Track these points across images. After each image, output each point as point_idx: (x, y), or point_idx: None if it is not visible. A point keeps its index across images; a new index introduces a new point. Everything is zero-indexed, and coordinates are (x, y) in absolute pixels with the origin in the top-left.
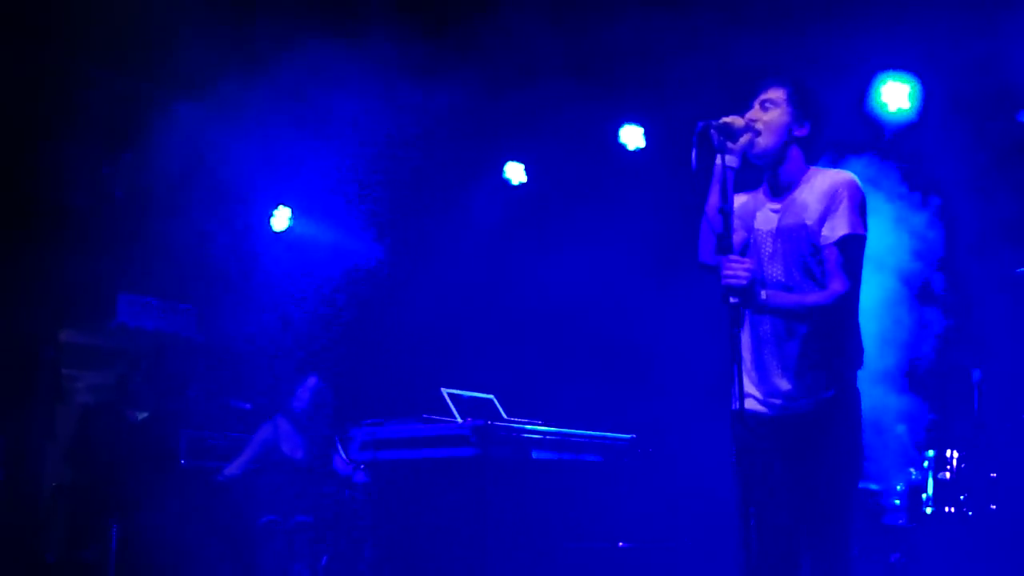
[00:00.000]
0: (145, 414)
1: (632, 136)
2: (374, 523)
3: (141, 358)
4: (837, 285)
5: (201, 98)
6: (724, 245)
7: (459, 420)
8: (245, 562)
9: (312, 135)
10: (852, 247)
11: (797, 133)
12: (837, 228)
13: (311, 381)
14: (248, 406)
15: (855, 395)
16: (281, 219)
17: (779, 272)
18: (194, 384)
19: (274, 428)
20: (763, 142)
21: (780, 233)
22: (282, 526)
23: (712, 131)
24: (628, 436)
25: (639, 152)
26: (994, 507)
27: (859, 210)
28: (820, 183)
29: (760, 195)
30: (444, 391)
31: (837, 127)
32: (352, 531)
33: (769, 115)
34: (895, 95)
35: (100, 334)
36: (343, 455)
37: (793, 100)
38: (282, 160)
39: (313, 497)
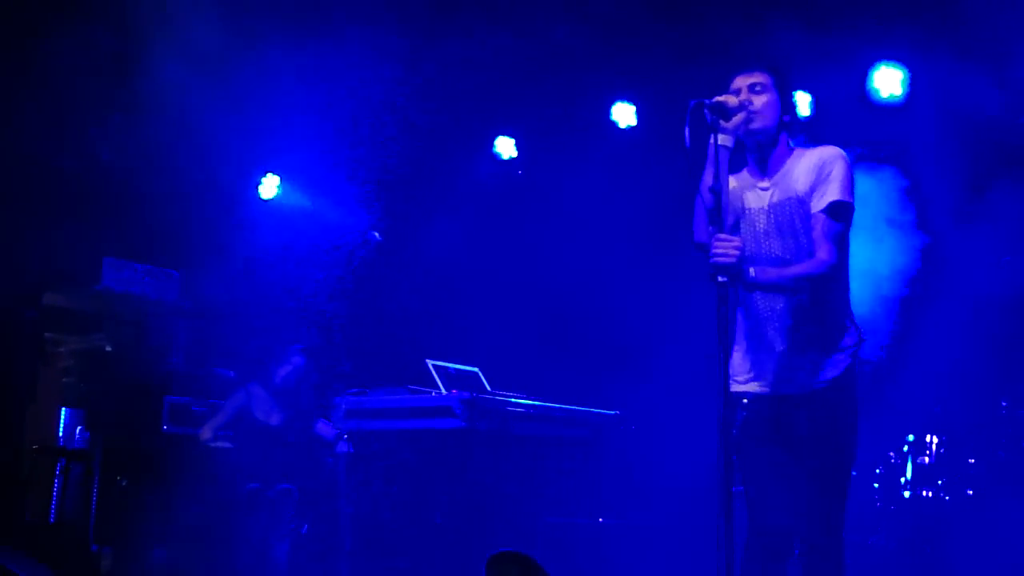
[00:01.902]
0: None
1: (624, 114)
2: (356, 492)
3: (125, 323)
4: (824, 254)
5: (192, 62)
6: (715, 223)
7: (444, 392)
8: (226, 529)
9: (303, 104)
10: (840, 215)
11: (785, 118)
12: (827, 195)
13: (296, 359)
14: (232, 374)
15: (855, 374)
16: (269, 187)
17: (776, 247)
18: (178, 351)
19: (247, 395)
20: (759, 124)
21: (772, 209)
22: (264, 494)
23: (706, 110)
24: (613, 412)
25: (631, 130)
26: (971, 492)
27: (848, 179)
28: (808, 158)
29: (746, 176)
30: (430, 363)
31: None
32: (334, 500)
33: (761, 99)
34: (888, 82)
35: (84, 298)
36: (328, 421)
37: (779, 86)
38: (272, 128)
39: (294, 465)
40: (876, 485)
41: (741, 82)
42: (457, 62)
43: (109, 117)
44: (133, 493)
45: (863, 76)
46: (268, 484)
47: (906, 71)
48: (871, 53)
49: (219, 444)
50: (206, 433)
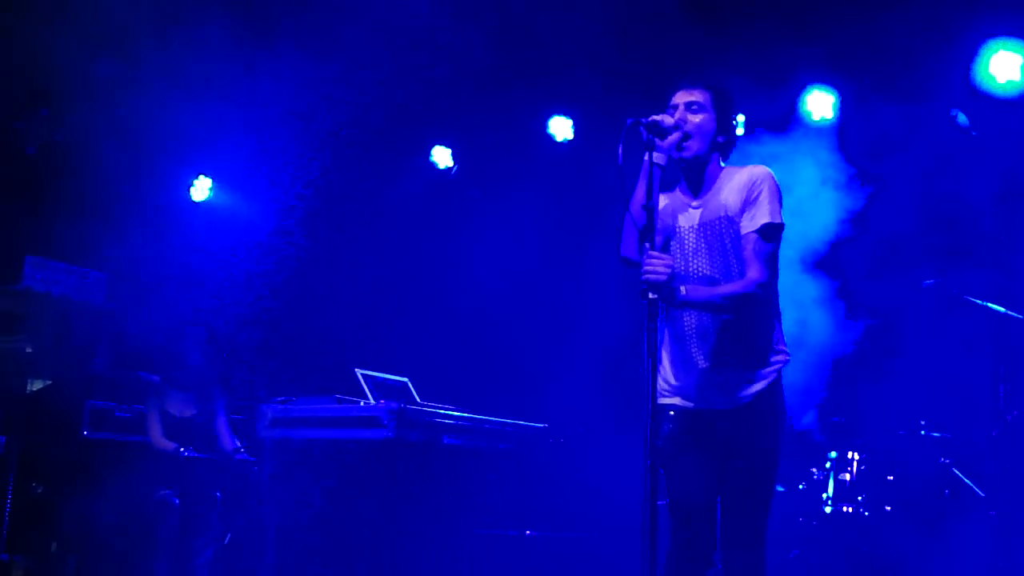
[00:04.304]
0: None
1: (561, 127)
2: (281, 502)
3: (46, 324)
4: (754, 273)
5: (125, 59)
6: (646, 240)
7: (373, 402)
8: (146, 536)
9: (238, 107)
10: (770, 236)
11: (720, 139)
12: (757, 217)
13: (199, 332)
14: (157, 378)
15: (780, 390)
16: (201, 189)
17: (704, 266)
18: (102, 354)
19: (159, 396)
20: (694, 146)
21: (703, 228)
22: (184, 501)
23: (641, 127)
24: (541, 425)
25: (567, 144)
26: (888, 508)
27: (777, 200)
28: (738, 178)
29: (678, 195)
30: (358, 372)
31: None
32: (257, 510)
33: (697, 118)
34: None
35: (4, 297)
36: (228, 432)
37: (717, 106)
38: (206, 130)
39: (218, 472)
40: (799, 500)
41: (680, 98)
42: (397, 70)
43: (35, 110)
44: (49, 500)
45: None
46: (188, 491)
47: (837, 95)
48: (804, 76)
49: (189, 452)
50: (166, 444)
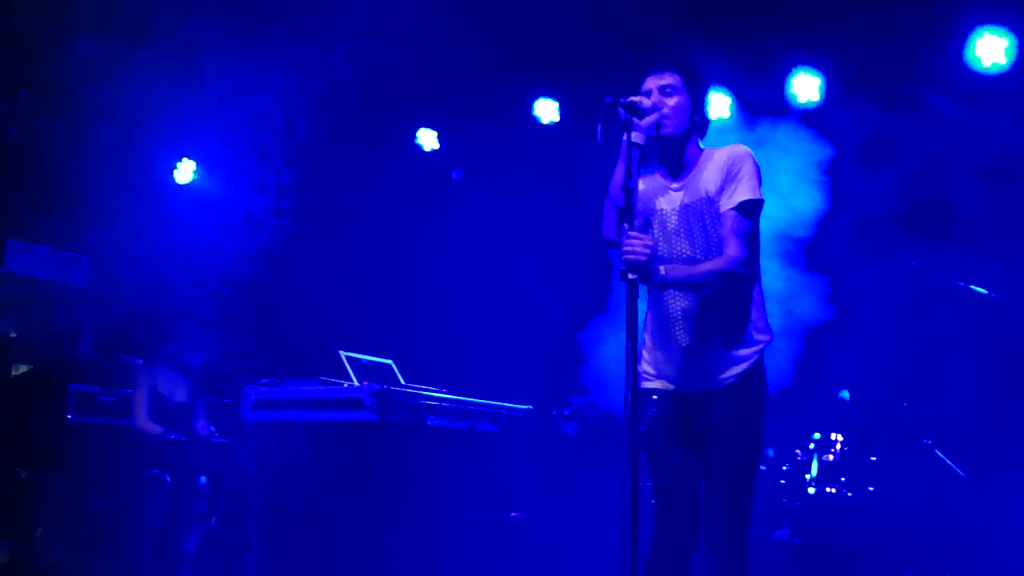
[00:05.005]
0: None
1: (547, 110)
2: (265, 484)
3: (30, 309)
4: (733, 250)
5: (106, 40)
6: (626, 221)
7: (356, 383)
8: (132, 520)
9: (223, 89)
10: (749, 213)
11: (696, 119)
12: (736, 195)
13: (184, 337)
14: (140, 362)
15: (762, 372)
16: (185, 172)
17: (686, 247)
18: (85, 338)
19: (150, 377)
20: (671, 126)
21: (683, 209)
22: (172, 483)
23: (620, 108)
24: (525, 407)
25: (553, 126)
26: (872, 489)
27: (756, 178)
28: (718, 158)
29: (658, 178)
30: (342, 354)
31: None
32: (242, 492)
33: (672, 100)
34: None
35: None
36: (204, 416)
37: (689, 86)
38: (191, 112)
39: (204, 454)
40: (783, 482)
41: (652, 83)
42: (382, 52)
43: (16, 92)
44: (33, 485)
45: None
46: (175, 473)
47: (823, 77)
48: (791, 58)
49: (175, 435)
50: (152, 428)
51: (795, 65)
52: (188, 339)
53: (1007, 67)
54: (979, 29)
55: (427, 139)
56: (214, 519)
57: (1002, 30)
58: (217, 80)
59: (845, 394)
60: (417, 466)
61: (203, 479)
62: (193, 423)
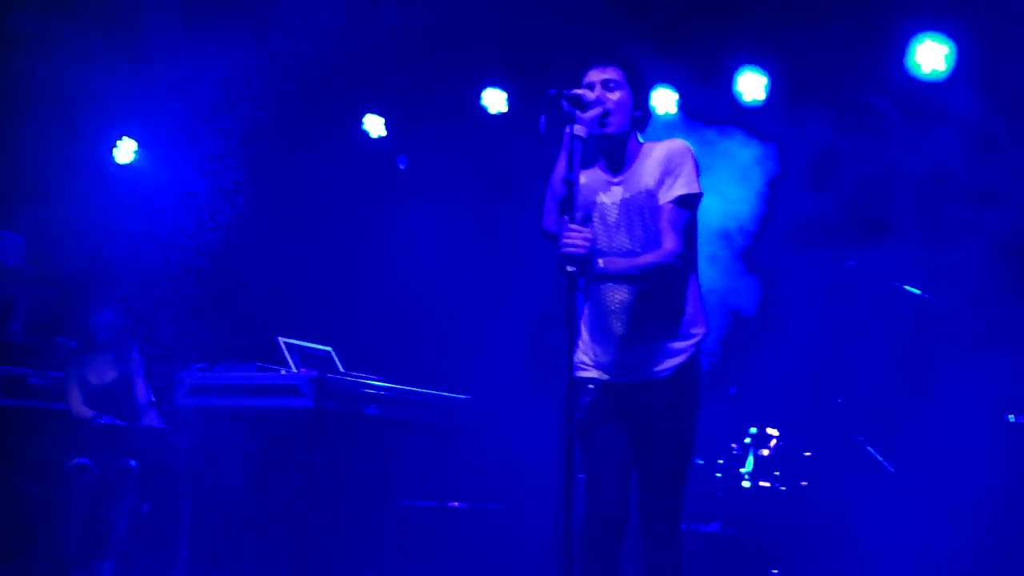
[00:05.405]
0: None
1: (495, 100)
2: (198, 471)
3: None
4: (670, 244)
5: (42, 14)
6: (566, 213)
7: (294, 370)
8: (59, 506)
9: (166, 69)
10: (687, 206)
11: (637, 114)
12: (674, 188)
13: (105, 315)
14: (75, 344)
15: (698, 365)
16: (125, 151)
17: (625, 240)
18: (18, 318)
19: (78, 365)
20: (613, 120)
21: (625, 204)
22: (102, 469)
23: (564, 100)
24: (464, 397)
25: (500, 116)
26: (804, 484)
27: (694, 172)
28: (657, 152)
29: (598, 172)
30: (281, 340)
31: None
32: (175, 479)
33: (615, 95)
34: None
35: None
36: (145, 387)
37: (631, 82)
38: (132, 90)
39: (136, 439)
40: (719, 475)
41: (595, 77)
42: (330, 36)
43: None
44: None
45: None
46: (104, 458)
47: (768, 77)
48: (738, 57)
49: (105, 419)
50: (84, 411)
51: (741, 64)
52: (106, 317)
53: (946, 74)
54: (920, 35)
55: (374, 126)
56: (146, 506)
57: (942, 37)
58: (161, 59)
59: (734, 390)
60: (354, 454)
61: (133, 463)
62: (134, 396)
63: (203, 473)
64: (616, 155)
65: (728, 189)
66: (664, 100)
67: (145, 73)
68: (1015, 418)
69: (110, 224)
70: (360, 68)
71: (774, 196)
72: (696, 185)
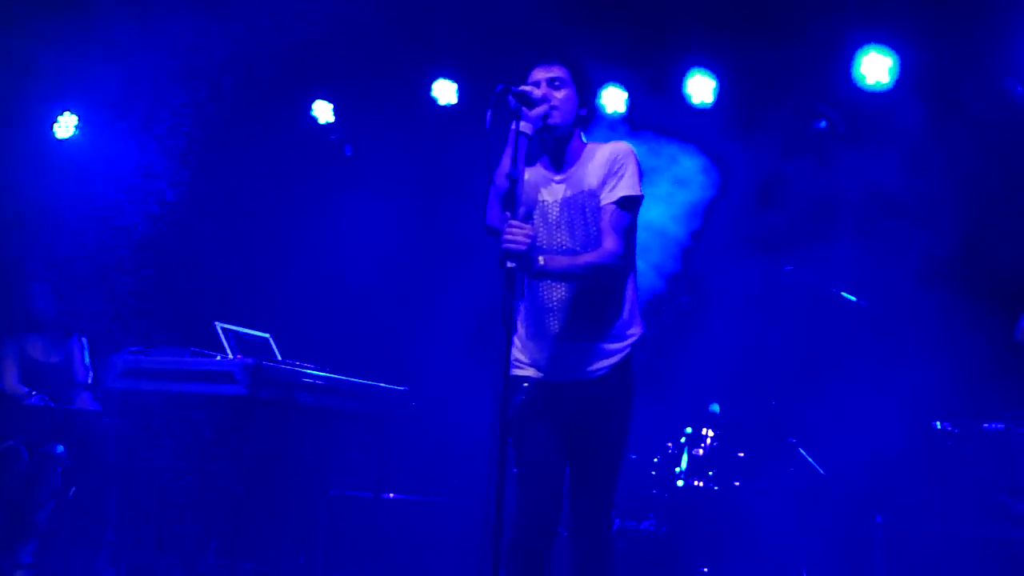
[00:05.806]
0: None
1: (445, 91)
2: (128, 457)
3: None
4: (610, 244)
5: None
6: (509, 209)
7: (231, 356)
8: None
9: (111, 45)
10: (629, 208)
11: (582, 112)
12: (617, 189)
13: (39, 294)
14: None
15: (632, 365)
16: (66, 126)
17: (566, 239)
18: None
19: (17, 341)
20: (558, 118)
21: (566, 203)
22: (30, 452)
23: (511, 96)
24: (401, 388)
25: (450, 108)
26: (737, 484)
27: (637, 174)
28: (600, 153)
29: (541, 170)
30: (218, 325)
31: None
32: (104, 463)
33: (561, 93)
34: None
35: None
36: (86, 360)
37: (577, 80)
38: (74, 65)
39: (65, 421)
40: (653, 473)
41: (540, 75)
42: (281, 19)
43: None
44: None
45: (679, 81)
46: (31, 440)
47: (717, 80)
48: (688, 59)
49: (35, 398)
50: (17, 388)
51: (691, 66)
52: (40, 297)
53: (890, 85)
54: (865, 47)
55: (323, 111)
56: (73, 489)
57: (886, 49)
58: (104, 31)
59: (715, 407)
60: (289, 443)
61: (61, 448)
62: (74, 376)
63: (133, 458)
64: (560, 153)
65: (670, 192)
66: (613, 99)
67: (90, 46)
68: (941, 424)
69: (48, 199)
70: (312, 52)
71: (717, 201)
72: (638, 188)
